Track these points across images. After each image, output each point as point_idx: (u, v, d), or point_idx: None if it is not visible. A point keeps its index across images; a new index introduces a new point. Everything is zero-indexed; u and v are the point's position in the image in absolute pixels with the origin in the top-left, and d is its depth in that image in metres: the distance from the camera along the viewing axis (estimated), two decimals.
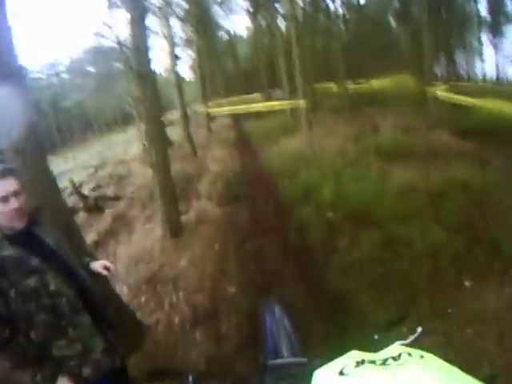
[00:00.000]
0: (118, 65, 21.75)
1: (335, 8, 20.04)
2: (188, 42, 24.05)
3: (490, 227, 4.40)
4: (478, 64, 28.64)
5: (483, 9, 25.04)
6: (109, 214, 6.95)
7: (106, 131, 34.29)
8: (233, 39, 30.66)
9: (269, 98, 23.36)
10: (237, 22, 29.64)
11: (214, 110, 19.39)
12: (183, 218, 5.59)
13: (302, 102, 11.98)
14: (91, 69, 26.67)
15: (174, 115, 16.82)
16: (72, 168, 14.04)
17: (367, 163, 7.47)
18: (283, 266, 4.22)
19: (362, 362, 0.80)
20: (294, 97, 13.88)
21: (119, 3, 17.60)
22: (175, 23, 13.61)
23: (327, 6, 21.46)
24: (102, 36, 13.44)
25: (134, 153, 13.43)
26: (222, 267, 4.19)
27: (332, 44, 21.35)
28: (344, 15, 27.28)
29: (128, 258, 4.76)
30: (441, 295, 3.36)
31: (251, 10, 26.22)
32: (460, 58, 27.14)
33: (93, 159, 14.28)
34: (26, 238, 1.45)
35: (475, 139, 8.50)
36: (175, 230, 5.18)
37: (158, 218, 5.69)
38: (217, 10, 26.99)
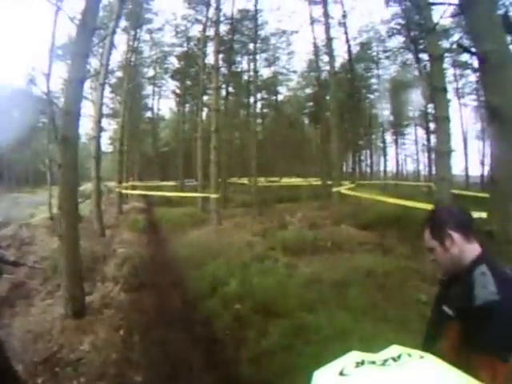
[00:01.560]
0: (44, 120, 20.95)
1: (255, 103, 21.42)
2: (113, 113, 24.27)
3: (394, 306, 4.89)
4: (381, 161, 32.04)
5: (387, 112, 28.51)
6: (6, 280, 6.32)
7: (16, 187, 31.44)
8: (155, 119, 31.25)
9: (182, 187, 23.83)
10: (162, 103, 30.54)
11: (127, 191, 19.16)
12: (87, 298, 5.25)
13: (213, 195, 12.48)
14: (16, 114, 25.21)
15: (86, 188, 16.24)
16: None
17: (274, 257, 7.90)
18: (191, 356, 4.10)
19: (362, 362, 0.80)
20: (207, 188, 14.42)
21: (62, 56, 17.68)
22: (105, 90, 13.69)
23: (248, 101, 23.00)
24: (35, 84, 13.11)
25: (41, 218, 12.57)
26: (127, 354, 3.98)
27: (248, 139, 22.63)
28: (262, 110, 29.57)
29: (24, 332, 4.30)
30: None
31: (178, 92, 27.56)
32: (366, 157, 30.30)
33: None
34: None
35: (377, 230, 9.46)
36: (78, 310, 4.79)
37: (59, 295, 5.28)
38: (148, 89, 28.06)
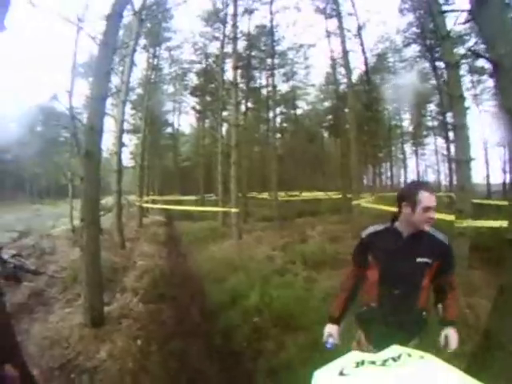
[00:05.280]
0: (66, 134, 21.50)
1: (274, 118, 21.52)
2: (134, 129, 24.74)
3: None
4: (401, 173, 31.57)
5: (406, 122, 28.13)
6: (26, 287, 6.42)
7: (37, 199, 32.21)
8: (176, 134, 31.66)
9: (203, 202, 23.98)
10: (182, 119, 31.04)
11: (148, 205, 19.39)
12: (106, 308, 5.29)
13: (234, 209, 12.50)
14: (40, 128, 25.93)
15: (107, 201, 16.52)
16: None
17: (294, 271, 7.82)
18: (208, 368, 4.06)
19: (362, 362, 0.81)
20: (228, 202, 14.47)
21: (84, 74, 18.21)
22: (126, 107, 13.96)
23: (267, 116, 23.10)
24: (57, 100, 13.47)
25: (62, 229, 12.83)
26: (143, 364, 3.96)
27: (268, 153, 22.68)
28: (281, 125, 29.66)
29: (42, 338, 4.32)
30: None
31: (198, 107, 27.94)
32: (386, 169, 29.93)
33: (19, 224, 13.34)
34: None
35: None
36: (97, 319, 4.83)
37: (78, 304, 5.35)
38: (168, 105, 28.56)
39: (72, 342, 4.30)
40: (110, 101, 18.24)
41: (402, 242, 2.20)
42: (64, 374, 3.66)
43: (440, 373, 0.74)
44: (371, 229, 2.34)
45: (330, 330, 2.32)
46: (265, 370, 4.01)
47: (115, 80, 15.46)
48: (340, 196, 20.26)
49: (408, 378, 0.71)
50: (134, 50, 12.59)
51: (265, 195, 23.40)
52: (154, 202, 22.48)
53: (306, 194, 25.00)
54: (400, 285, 2.16)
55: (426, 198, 2.08)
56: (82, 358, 3.94)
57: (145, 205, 18.30)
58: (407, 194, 2.17)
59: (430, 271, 2.17)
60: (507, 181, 21.65)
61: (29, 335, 4.48)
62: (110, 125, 14.39)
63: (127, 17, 13.43)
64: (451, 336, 2.13)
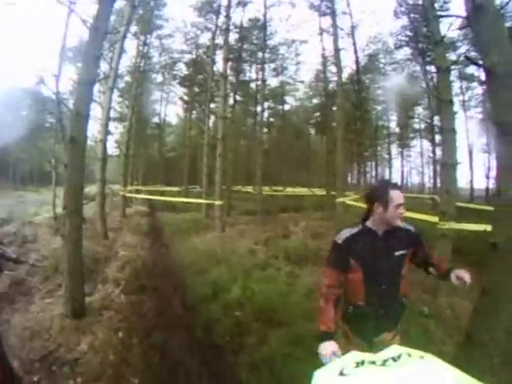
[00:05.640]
0: (52, 120, 21.05)
1: (262, 112, 21.49)
2: (120, 117, 24.40)
3: None
4: (386, 172, 31.92)
5: (393, 123, 28.43)
6: (7, 276, 6.30)
7: (20, 186, 31.51)
8: (162, 124, 31.38)
9: (186, 193, 23.88)
10: (169, 109, 30.79)
11: (131, 195, 19.19)
12: (87, 299, 5.22)
13: (217, 202, 12.49)
14: (25, 113, 25.32)
15: (90, 190, 16.28)
16: None
17: (276, 266, 7.86)
18: (189, 361, 4.07)
19: (362, 362, 0.81)
20: (212, 195, 14.44)
21: (72, 59, 17.85)
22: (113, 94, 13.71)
23: (255, 110, 23.04)
24: (45, 84, 13.17)
25: (44, 217, 12.60)
26: (124, 356, 3.93)
27: (254, 147, 22.65)
28: (269, 120, 29.64)
29: (23, 329, 4.24)
30: None
31: (186, 98, 27.71)
32: (371, 168, 30.27)
33: (1, 211, 13.05)
34: None
35: None
36: (78, 310, 4.76)
37: (59, 294, 5.27)
38: (156, 94, 28.26)
39: (53, 333, 4.24)
40: (97, 87, 17.96)
41: (378, 240, 2.32)
42: (45, 366, 3.61)
43: (439, 373, 0.75)
44: (346, 232, 2.39)
45: (332, 347, 2.10)
46: (247, 363, 4.03)
47: (104, 66, 15.23)
48: (324, 193, 20.40)
49: (408, 378, 0.72)
50: (125, 37, 12.40)
51: (249, 189, 23.45)
52: (137, 191, 22.25)
53: (290, 190, 25.10)
54: (384, 280, 2.29)
55: (396, 196, 2.23)
56: (63, 350, 3.89)
57: (128, 194, 18.11)
58: (378, 195, 2.29)
59: (407, 259, 2.37)
60: (490, 186, 22.13)
61: (9, 326, 4.40)
62: (96, 112, 14.16)
63: (120, 1, 13.25)
64: (461, 272, 2.18)
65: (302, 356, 3.80)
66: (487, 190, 22.87)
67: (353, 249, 2.31)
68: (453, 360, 3.03)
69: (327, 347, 2.10)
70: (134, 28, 19.19)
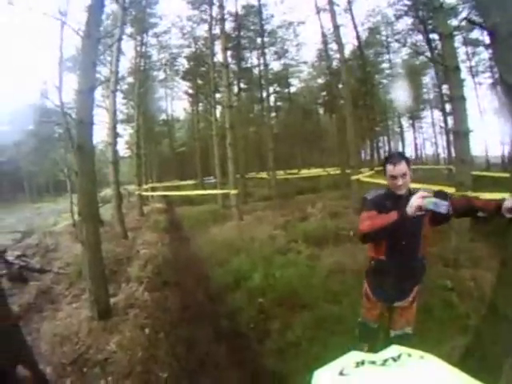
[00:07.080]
0: (60, 130, 21.37)
1: (268, 97, 21.34)
2: (127, 118, 24.55)
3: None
4: (399, 146, 31.40)
5: (402, 96, 27.78)
6: (33, 286, 6.48)
7: (37, 198, 32.14)
8: (170, 120, 31.47)
9: (202, 185, 23.98)
10: (175, 105, 30.85)
11: (147, 193, 19.36)
12: (112, 300, 5.34)
13: (233, 191, 12.50)
14: (32, 128, 25.71)
15: (106, 193, 16.50)
16: None
17: (296, 249, 7.86)
18: (216, 351, 4.13)
19: (362, 362, 0.80)
20: (226, 184, 14.47)
21: (72, 68, 17.98)
22: (118, 97, 13.78)
23: (261, 96, 22.88)
24: (47, 97, 13.34)
25: (64, 225, 12.89)
26: (152, 352, 4.01)
27: (264, 133, 22.55)
28: (276, 104, 29.41)
29: (52, 336, 4.39)
30: None
31: (191, 92, 27.69)
32: (383, 143, 29.79)
33: (20, 225, 13.39)
34: None
35: None
36: (104, 312, 4.88)
37: (85, 298, 5.41)
38: (160, 92, 28.31)
39: (81, 336, 4.37)
40: (100, 92, 18.04)
41: (401, 199, 2.49)
42: (76, 369, 3.72)
43: (440, 373, 0.74)
44: (374, 192, 2.72)
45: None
46: (273, 350, 4.07)
47: (104, 70, 15.27)
48: (339, 172, 20.25)
49: (408, 378, 0.71)
50: (120, 39, 12.38)
51: (263, 175, 23.36)
52: (153, 189, 22.47)
53: (305, 172, 24.98)
54: (405, 237, 2.54)
55: (389, 170, 2.53)
56: (93, 352, 4.00)
57: (144, 193, 18.28)
58: (383, 167, 2.63)
59: (427, 220, 2.53)
60: (505, 153, 21.62)
61: (39, 334, 4.55)
62: (103, 116, 14.28)
63: (111, 5, 13.24)
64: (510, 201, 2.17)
65: (327, 338, 3.81)
66: (503, 156, 22.33)
67: (379, 204, 2.57)
68: (477, 334, 2.99)
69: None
70: (129, 29, 19.17)
